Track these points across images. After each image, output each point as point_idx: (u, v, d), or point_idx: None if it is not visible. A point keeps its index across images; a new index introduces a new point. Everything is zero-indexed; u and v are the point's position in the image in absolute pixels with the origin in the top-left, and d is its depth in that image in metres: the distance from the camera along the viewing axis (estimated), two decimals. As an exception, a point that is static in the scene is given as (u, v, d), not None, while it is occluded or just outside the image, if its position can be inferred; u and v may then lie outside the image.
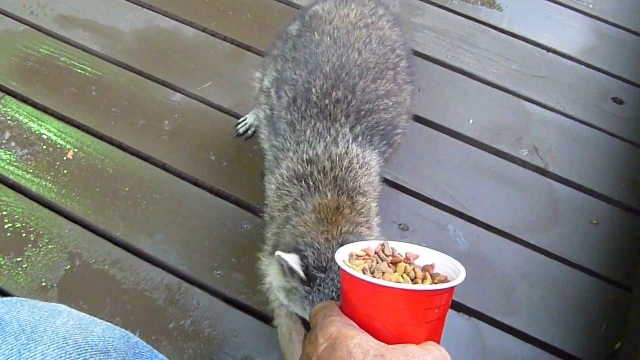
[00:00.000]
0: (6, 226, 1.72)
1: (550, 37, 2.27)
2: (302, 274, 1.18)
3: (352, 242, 1.16)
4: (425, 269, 0.85)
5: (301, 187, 1.36)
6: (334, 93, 1.41)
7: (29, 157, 1.86)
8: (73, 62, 2.07)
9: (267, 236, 1.43)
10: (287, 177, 1.39)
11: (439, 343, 0.78)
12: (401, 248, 0.87)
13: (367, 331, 0.75)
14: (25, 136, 1.89)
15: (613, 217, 1.86)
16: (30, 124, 1.92)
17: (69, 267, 1.67)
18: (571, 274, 1.73)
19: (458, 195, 1.84)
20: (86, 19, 2.18)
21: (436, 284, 0.81)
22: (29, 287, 1.63)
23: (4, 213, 1.74)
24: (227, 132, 1.92)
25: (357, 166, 1.38)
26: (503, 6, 2.35)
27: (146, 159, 1.87)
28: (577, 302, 1.69)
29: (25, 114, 1.95)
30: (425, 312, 0.76)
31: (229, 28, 2.19)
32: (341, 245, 1.16)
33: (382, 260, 0.85)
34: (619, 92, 2.13)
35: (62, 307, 0.90)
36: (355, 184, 1.36)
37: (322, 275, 1.20)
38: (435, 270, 0.85)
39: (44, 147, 1.87)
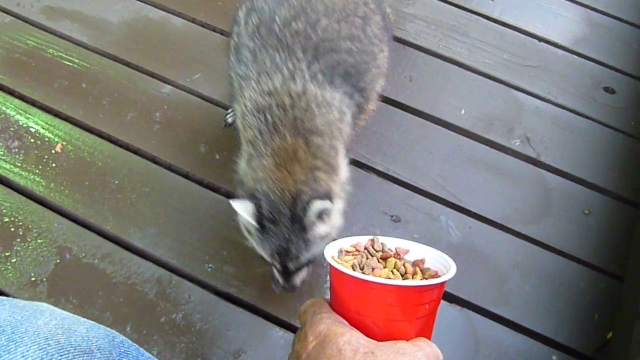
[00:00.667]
0: (-6, 220, 1.71)
1: (541, 26, 2.25)
2: (253, 222, 1.29)
3: (307, 193, 1.28)
4: (415, 263, 0.84)
5: (260, 120, 1.39)
6: (294, 23, 1.43)
7: (16, 150, 1.83)
8: (60, 54, 2.04)
9: (238, 166, 1.47)
10: (250, 108, 1.42)
11: (429, 338, 0.77)
12: (391, 243, 0.87)
13: (357, 328, 0.75)
14: (12, 129, 1.87)
15: (605, 207, 1.85)
16: (18, 116, 1.90)
17: (58, 261, 1.65)
18: (563, 263, 1.73)
19: (450, 186, 1.84)
20: (73, 9, 2.15)
21: (426, 278, 0.81)
22: (18, 282, 1.62)
23: (-8, 207, 1.73)
24: (218, 124, 1.90)
25: (314, 105, 1.39)
26: (494, -5, 2.34)
27: (135, 151, 1.85)
28: (569, 292, 1.69)
29: (12, 106, 1.92)
30: (416, 308, 0.75)
31: (218, 18, 2.17)
32: (294, 198, 1.27)
33: (372, 256, 0.84)
34: (610, 82, 2.12)
35: (45, 305, 0.88)
36: (312, 124, 1.38)
37: (272, 227, 1.30)
38: (426, 265, 0.84)
39: (32, 140, 1.85)
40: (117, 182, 1.78)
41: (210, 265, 1.66)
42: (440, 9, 2.27)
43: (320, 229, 1.33)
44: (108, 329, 0.91)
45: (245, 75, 1.47)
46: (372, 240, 0.87)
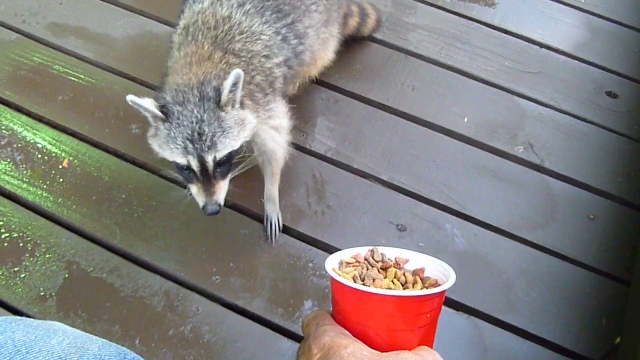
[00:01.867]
0: (3, 236, 1.72)
1: (542, 32, 2.26)
2: (155, 110, 1.28)
3: (213, 80, 1.31)
4: (415, 272, 0.85)
5: (183, 35, 1.46)
6: None
7: (24, 166, 1.85)
8: (66, 70, 2.06)
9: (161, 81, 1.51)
10: (179, 30, 1.51)
11: (431, 347, 0.78)
12: (390, 253, 0.87)
13: (360, 339, 0.75)
14: (20, 145, 1.89)
15: (610, 212, 1.86)
16: (25, 132, 1.92)
17: (66, 275, 1.67)
18: (569, 269, 1.74)
19: (454, 194, 1.84)
20: (78, 26, 2.18)
21: (427, 287, 0.81)
22: (27, 296, 1.63)
23: (1, 223, 1.74)
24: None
25: (237, 32, 1.45)
26: (495, 3, 2.35)
27: (142, 165, 1.87)
28: (575, 298, 1.69)
29: (20, 122, 1.94)
30: (417, 317, 0.76)
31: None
32: (202, 81, 1.30)
33: (372, 266, 0.84)
34: (612, 86, 2.13)
35: (58, 324, 0.89)
36: (231, 45, 1.43)
37: (179, 108, 1.28)
38: (425, 274, 0.85)
39: (39, 156, 1.87)
40: (123, 196, 1.79)
41: (218, 277, 1.67)
42: (441, 18, 2.28)
43: (233, 114, 1.32)
44: (120, 346, 0.92)
45: (183, 8, 1.56)
46: (372, 250, 0.87)
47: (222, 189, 1.39)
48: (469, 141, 1.96)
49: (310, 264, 1.70)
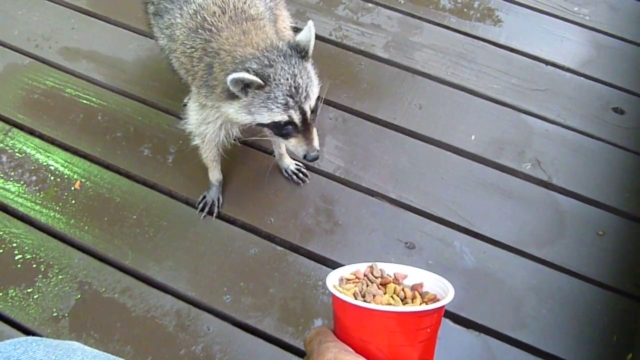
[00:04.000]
0: (16, 257, 1.74)
1: (548, 50, 2.28)
2: (256, 78, 1.35)
3: (278, 41, 1.43)
4: (414, 288, 0.86)
5: (201, 36, 1.52)
6: None
7: (37, 188, 1.88)
8: (78, 93, 2.10)
9: (195, 91, 1.61)
10: (185, 38, 1.55)
11: None
12: (389, 269, 0.88)
13: (362, 355, 0.76)
14: (33, 168, 1.92)
15: (619, 227, 1.86)
16: (38, 155, 1.95)
17: (79, 296, 1.68)
18: (579, 285, 1.74)
19: (463, 211, 1.85)
20: (90, 50, 2.22)
21: (426, 302, 0.82)
22: (40, 317, 1.65)
23: (14, 244, 1.76)
24: (231, 159, 1.92)
25: (240, 3, 1.56)
26: (501, 21, 2.37)
27: (152, 186, 1.89)
28: (586, 314, 1.69)
29: (33, 145, 1.97)
30: (417, 332, 0.77)
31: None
32: (271, 45, 1.42)
33: (372, 282, 0.85)
34: (619, 102, 2.14)
35: (76, 344, 0.91)
36: (247, 14, 1.54)
37: (272, 70, 1.38)
38: (424, 289, 0.85)
39: (52, 178, 1.90)
40: (135, 217, 1.82)
41: (228, 296, 1.68)
42: (447, 37, 2.31)
43: (309, 66, 1.46)
44: None
45: (170, 20, 1.61)
46: (371, 267, 0.88)
47: (316, 135, 1.51)
48: (477, 159, 1.98)
49: (320, 283, 1.71)
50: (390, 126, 2.04)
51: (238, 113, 1.45)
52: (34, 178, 1.90)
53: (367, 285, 0.85)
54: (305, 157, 1.50)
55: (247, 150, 1.96)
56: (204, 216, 1.82)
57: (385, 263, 0.88)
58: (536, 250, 1.79)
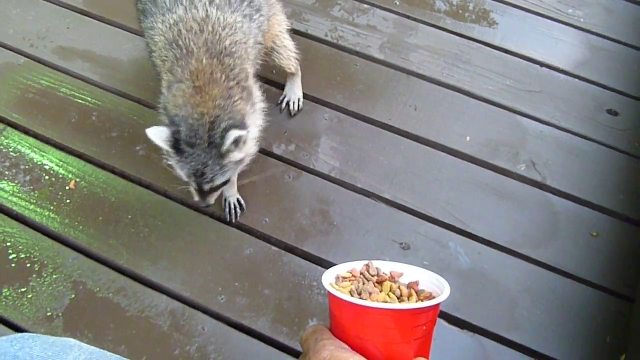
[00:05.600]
0: (10, 257, 1.74)
1: (543, 51, 2.29)
2: (169, 149, 1.43)
3: (224, 119, 1.41)
4: (409, 285, 0.86)
5: (174, 48, 1.52)
6: None
7: (31, 187, 1.88)
8: (73, 92, 2.10)
9: (160, 97, 1.58)
10: (162, 44, 1.55)
11: (427, 358, 0.79)
12: (385, 267, 0.88)
13: (358, 352, 0.76)
14: (27, 167, 1.92)
15: (612, 228, 1.87)
16: (32, 154, 1.95)
17: (73, 296, 1.68)
18: (573, 286, 1.74)
19: (457, 212, 1.86)
20: (85, 49, 2.21)
21: (421, 300, 0.83)
22: (34, 317, 1.65)
23: (8, 244, 1.76)
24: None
25: (220, 28, 1.53)
26: (496, 23, 2.38)
27: (147, 186, 1.89)
28: (579, 315, 1.70)
29: (27, 144, 1.97)
30: (413, 330, 0.77)
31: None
32: (212, 122, 1.41)
33: (368, 280, 0.86)
34: (613, 104, 2.15)
35: (72, 341, 0.92)
36: (221, 45, 1.51)
37: (190, 150, 1.43)
38: (420, 287, 0.86)
39: (46, 177, 1.89)
40: (130, 216, 1.81)
41: (223, 296, 1.69)
42: (442, 38, 2.31)
43: (235, 155, 1.47)
44: None
45: (152, 23, 1.60)
46: (367, 265, 0.88)
47: (213, 196, 1.59)
48: (471, 160, 1.98)
49: (315, 283, 1.71)
50: (386, 127, 2.05)
51: (163, 144, 1.48)
52: (28, 177, 1.90)
53: (363, 283, 0.85)
54: (197, 202, 1.59)
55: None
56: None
57: (381, 261, 0.88)
58: (530, 251, 1.80)
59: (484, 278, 1.75)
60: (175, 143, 1.43)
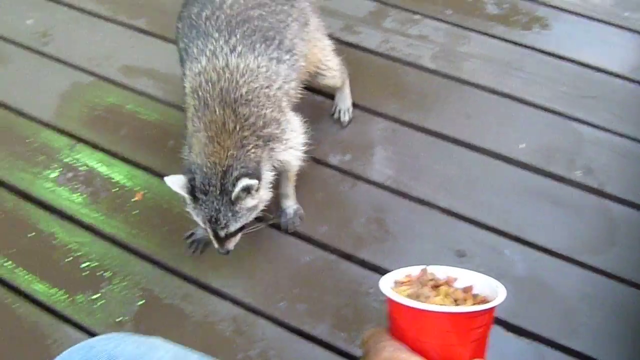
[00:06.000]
0: (83, 265, 1.84)
1: (598, 56, 2.27)
2: (186, 195, 1.51)
3: (236, 168, 1.48)
4: (465, 290, 0.88)
5: (194, 98, 1.57)
6: (203, 12, 1.63)
7: (101, 199, 1.98)
8: (138, 109, 2.20)
9: (185, 138, 1.66)
10: (187, 93, 1.62)
11: (483, 359, 0.82)
12: (440, 272, 0.91)
13: (416, 353, 0.80)
14: (97, 180, 2.03)
15: (674, 235, 1.84)
16: (101, 168, 2.06)
17: (141, 302, 1.77)
18: (632, 294, 1.72)
19: (513, 219, 1.86)
20: (148, 67, 2.32)
21: (477, 304, 0.85)
22: (105, 322, 1.73)
23: (81, 253, 1.86)
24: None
25: (238, 76, 1.55)
26: (549, 29, 2.37)
27: (209, 197, 1.97)
28: (640, 323, 1.68)
29: (96, 159, 2.08)
30: (469, 332, 0.79)
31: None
32: (225, 171, 1.47)
33: (424, 285, 0.88)
34: (672, 108, 2.11)
35: (159, 340, 0.99)
36: (237, 94, 1.53)
37: (203, 197, 1.49)
38: (475, 291, 0.88)
39: (115, 190, 2.00)
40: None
41: (283, 303, 1.74)
42: (495, 46, 2.32)
43: (248, 202, 1.52)
44: (214, 358, 1.01)
45: (185, 70, 1.67)
46: (423, 270, 0.91)
47: (232, 242, 1.62)
48: (526, 167, 1.98)
49: (372, 290, 1.75)
50: (439, 136, 2.07)
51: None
52: (98, 190, 2.01)
53: (420, 288, 0.88)
54: (216, 249, 1.62)
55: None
56: (193, 252, 1.86)
57: (437, 266, 0.91)
58: (588, 258, 1.78)
59: (540, 285, 1.74)
60: (192, 190, 1.50)
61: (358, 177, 1.98)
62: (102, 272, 1.83)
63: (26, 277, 1.83)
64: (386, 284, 0.87)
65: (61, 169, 2.06)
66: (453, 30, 2.38)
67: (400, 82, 2.22)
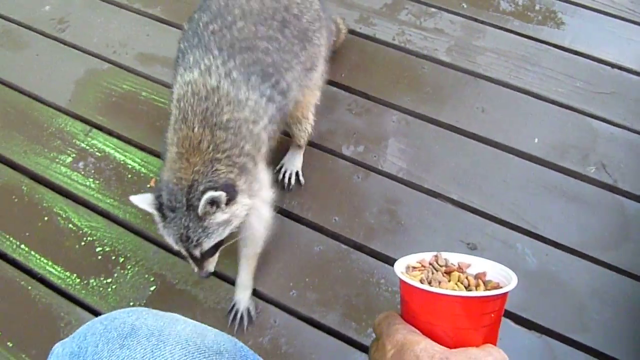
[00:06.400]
0: (96, 249, 1.86)
1: (614, 52, 2.26)
2: (154, 212, 1.44)
3: (202, 183, 1.39)
4: (477, 276, 0.90)
5: (177, 108, 1.49)
6: (211, 25, 1.56)
7: (115, 185, 2.00)
8: (153, 96, 2.22)
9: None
10: (174, 99, 1.54)
11: (495, 345, 0.83)
12: (453, 258, 0.92)
13: (428, 337, 0.81)
14: (111, 166, 2.04)
15: (687, 233, 1.83)
16: (116, 154, 2.07)
17: (153, 287, 1.78)
18: (644, 290, 1.72)
19: (525, 214, 1.86)
20: (163, 55, 2.33)
21: (489, 289, 0.86)
22: (118, 306, 1.75)
23: (95, 238, 1.88)
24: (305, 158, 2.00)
25: (224, 102, 1.46)
26: (565, 24, 2.36)
27: (222, 184, 1.98)
28: (651, 319, 1.68)
29: (111, 145, 2.10)
30: (481, 317, 0.81)
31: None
32: (190, 186, 1.38)
33: (437, 270, 0.90)
34: (688, 106, 2.10)
35: (178, 315, 1.01)
36: (219, 119, 1.45)
37: (171, 214, 1.40)
38: (487, 277, 0.89)
39: (129, 176, 2.02)
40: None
41: (294, 291, 1.75)
42: (510, 41, 2.32)
43: (218, 217, 1.40)
44: (230, 335, 1.03)
45: (176, 73, 1.60)
46: (436, 256, 0.92)
47: (211, 263, 1.53)
48: (540, 162, 1.98)
49: (383, 280, 1.76)
50: (453, 129, 2.07)
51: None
52: (112, 175, 2.02)
53: (433, 273, 0.89)
54: (196, 273, 1.54)
55: (312, 152, 2.02)
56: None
57: (450, 253, 0.92)
58: (600, 254, 1.78)
59: (551, 280, 1.75)
60: (159, 207, 1.42)
61: (371, 169, 1.99)
62: (116, 257, 1.85)
63: (40, 260, 1.85)
64: (399, 268, 0.89)
65: (76, 155, 2.08)
66: (469, 24, 2.38)
67: (415, 75, 2.22)
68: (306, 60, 1.72)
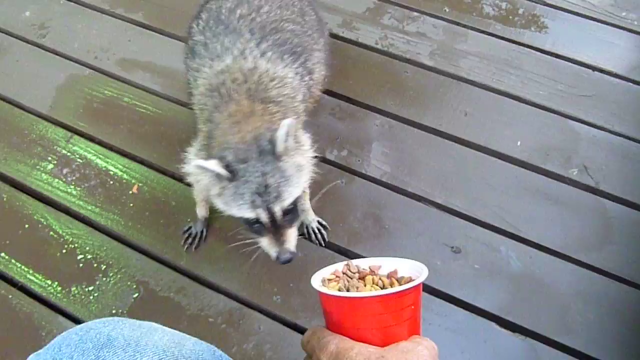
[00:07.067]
0: (78, 257, 1.84)
1: (595, 55, 2.28)
2: (222, 170, 1.29)
3: (267, 132, 1.32)
4: (389, 275, 0.93)
5: (214, 98, 1.46)
6: (238, 10, 1.58)
7: (97, 192, 1.98)
8: (135, 102, 2.20)
9: (196, 147, 1.51)
10: (204, 90, 1.51)
11: (419, 334, 0.86)
12: (364, 263, 0.96)
13: (358, 341, 0.83)
14: (93, 172, 2.02)
15: (668, 234, 1.85)
16: (97, 160, 2.05)
17: (136, 295, 1.77)
18: (626, 291, 1.73)
19: (508, 217, 1.87)
20: (145, 60, 2.32)
21: (402, 285, 0.89)
22: (100, 314, 1.74)
23: (76, 245, 1.86)
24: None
25: (267, 79, 1.48)
26: (546, 28, 2.38)
27: (206, 190, 1.97)
28: (634, 320, 1.68)
29: (93, 151, 2.08)
30: (402, 311, 0.84)
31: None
32: (256, 137, 1.32)
33: (351, 278, 0.93)
34: (668, 108, 2.12)
35: (156, 325, 1.00)
36: (266, 95, 1.45)
37: (244, 165, 1.31)
38: (399, 274, 0.93)
39: (111, 182, 2.00)
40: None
41: (278, 297, 1.74)
42: (493, 44, 2.33)
43: (292, 160, 1.35)
44: (208, 344, 1.02)
45: (199, 65, 1.57)
46: (347, 264, 0.96)
47: (292, 236, 1.42)
48: (523, 164, 1.99)
49: (367, 285, 1.75)
50: (436, 132, 2.08)
51: (215, 198, 1.39)
52: (94, 182, 2.00)
53: (348, 281, 0.92)
54: (277, 259, 1.42)
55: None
56: (186, 248, 1.83)
57: (359, 259, 0.96)
58: (583, 256, 1.79)
59: (535, 282, 1.75)
60: (227, 166, 1.31)
61: (354, 173, 1.98)
62: (98, 264, 1.83)
63: (21, 268, 1.82)
64: (317, 283, 0.90)
65: (57, 161, 2.06)
66: (451, 28, 2.39)
67: (398, 79, 2.23)
68: (322, 48, 1.78)
